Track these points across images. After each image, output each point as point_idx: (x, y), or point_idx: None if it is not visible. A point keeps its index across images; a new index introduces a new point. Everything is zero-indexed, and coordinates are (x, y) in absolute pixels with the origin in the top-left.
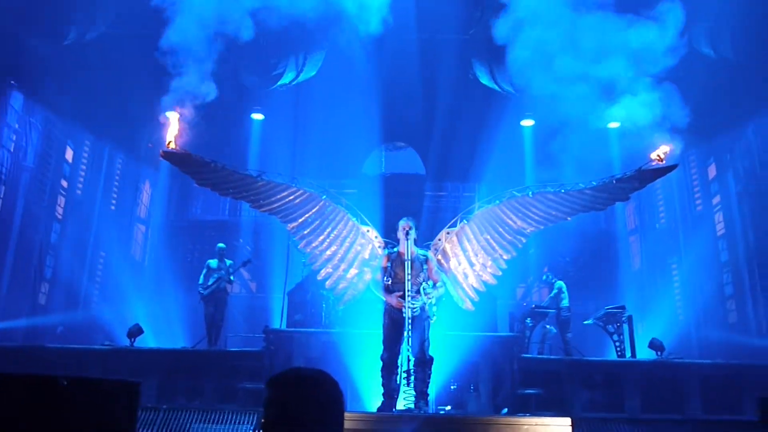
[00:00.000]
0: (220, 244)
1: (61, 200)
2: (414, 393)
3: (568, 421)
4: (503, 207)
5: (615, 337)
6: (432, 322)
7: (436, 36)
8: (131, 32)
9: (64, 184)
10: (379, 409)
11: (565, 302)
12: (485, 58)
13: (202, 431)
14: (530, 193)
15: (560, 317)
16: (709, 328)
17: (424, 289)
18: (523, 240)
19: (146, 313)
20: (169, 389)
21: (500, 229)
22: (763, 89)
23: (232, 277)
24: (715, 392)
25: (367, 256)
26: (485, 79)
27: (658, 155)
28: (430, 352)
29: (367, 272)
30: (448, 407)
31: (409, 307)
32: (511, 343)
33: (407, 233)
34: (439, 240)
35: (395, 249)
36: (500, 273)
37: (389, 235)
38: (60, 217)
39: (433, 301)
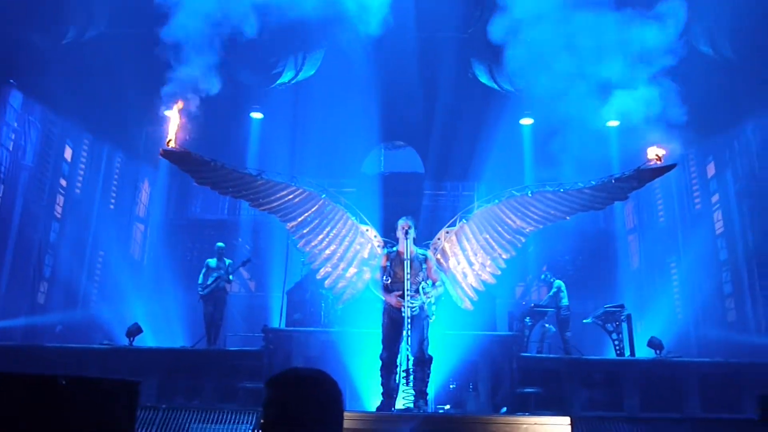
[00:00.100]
0: (219, 243)
1: (60, 199)
2: (413, 392)
3: (567, 420)
4: (502, 206)
5: (614, 335)
6: (431, 321)
7: (435, 35)
8: (130, 31)
9: (63, 183)
10: (378, 409)
11: (565, 301)
12: (484, 56)
13: (202, 431)
14: (529, 192)
15: (560, 316)
16: (708, 327)
17: (423, 288)
18: (523, 239)
19: (145, 312)
20: (168, 388)
21: (499, 229)
22: (762, 88)
23: (231, 277)
24: (714, 390)
25: (366, 255)
26: (484, 78)
27: (657, 155)
28: (430, 352)
29: (367, 271)
30: (448, 406)
31: (408, 307)
32: (510, 342)
33: (406, 232)
34: (438, 239)
35: (394, 248)
36: (499, 272)
37: (388, 234)
38: (59, 216)
39: (432, 300)
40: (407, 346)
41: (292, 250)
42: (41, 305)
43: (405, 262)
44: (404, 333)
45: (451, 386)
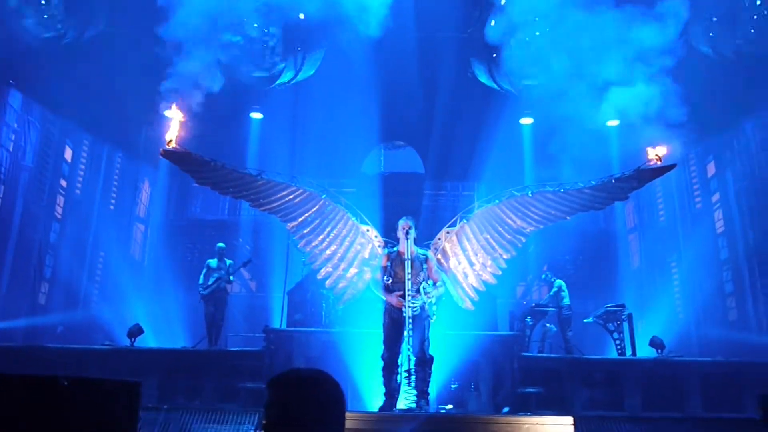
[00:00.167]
0: (220, 244)
1: (61, 200)
2: (415, 392)
3: (569, 420)
4: (503, 206)
5: (615, 335)
6: (432, 321)
7: (434, 34)
8: (129, 31)
9: (63, 183)
10: (380, 409)
11: (566, 301)
12: (484, 56)
13: (203, 431)
14: (529, 192)
15: (561, 316)
16: (709, 326)
17: (424, 288)
18: (523, 239)
19: (146, 312)
20: (169, 389)
21: (500, 229)
22: (761, 87)
23: (231, 277)
24: (716, 390)
25: (366, 256)
26: (484, 78)
27: (657, 155)
28: (431, 352)
29: (367, 271)
30: (449, 406)
31: (409, 307)
32: (512, 341)
33: (407, 232)
34: (439, 239)
35: (395, 248)
36: (500, 272)
37: (389, 235)
38: (59, 216)
39: (433, 300)
40: (408, 346)
41: (293, 251)
42: (42, 306)
43: (406, 262)
44: (405, 333)
45: (452, 386)
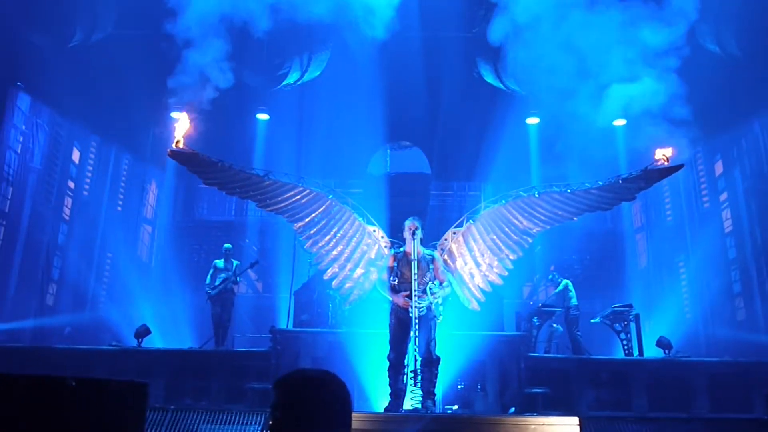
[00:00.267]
0: (227, 245)
1: (68, 201)
2: (421, 393)
3: (575, 420)
4: (509, 207)
5: (622, 335)
6: (438, 321)
7: (440, 34)
8: (137, 33)
9: (71, 185)
10: (386, 409)
11: (574, 301)
12: (489, 56)
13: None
14: (536, 193)
15: (569, 316)
16: (717, 326)
17: (430, 288)
18: (530, 240)
19: (153, 313)
20: (176, 389)
21: (506, 229)
22: None
23: (238, 278)
24: (724, 390)
25: (373, 256)
26: (490, 78)
27: (664, 155)
28: (437, 352)
29: (374, 272)
30: (456, 407)
31: (415, 307)
32: (518, 342)
33: (413, 233)
34: (445, 240)
35: (401, 249)
36: (506, 273)
37: (395, 235)
38: (67, 218)
39: (440, 300)
40: (415, 347)
41: (299, 251)
42: (50, 307)
43: (412, 263)
44: (412, 333)
45: (458, 386)
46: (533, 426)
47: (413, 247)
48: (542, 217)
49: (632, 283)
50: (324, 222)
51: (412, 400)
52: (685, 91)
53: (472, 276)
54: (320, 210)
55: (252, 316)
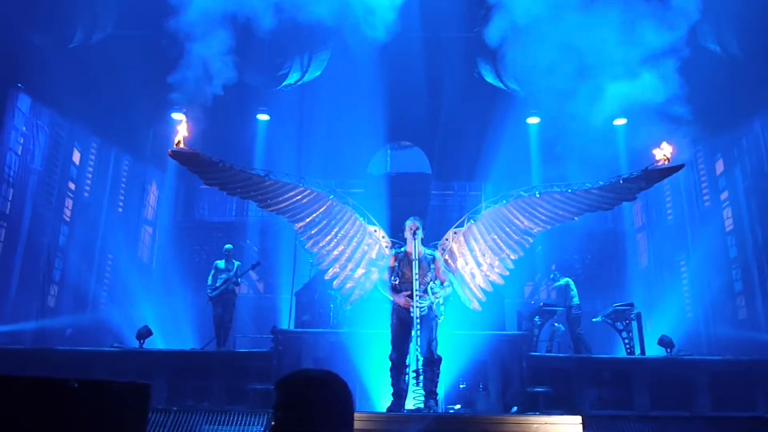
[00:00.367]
0: (228, 245)
1: (69, 202)
2: (423, 392)
3: (578, 419)
4: (510, 207)
5: (624, 334)
6: (440, 321)
7: (440, 34)
8: (137, 33)
9: (72, 186)
10: (388, 409)
11: (575, 300)
12: (490, 56)
13: None
14: (537, 193)
15: (571, 315)
16: (719, 325)
17: (431, 288)
18: (531, 240)
19: (154, 314)
20: (178, 390)
21: (507, 229)
22: None
23: (239, 279)
24: (725, 388)
25: (374, 256)
26: (490, 77)
27: (665, 155)
28: (439, 352)
29: (375, 272)
30: (458, 406)
31: (416, 307)
32: (520, 341)
33: (414, 233)
34: (446, 240)
35: (402, 249)
36: (507, 273)
37: (396, 235)
38: (68, 219)
39: (441, 300)
40: (416, 347)
41: (300, 252)
42: (51, 308)
43: (413, 263)
44: (413, 333)
45: (460, 386)
46: (536, 425)
47: (414, 247)
48: (543, 217)
49: (633, 283)
50: (325, 222)
51: (414, 400)
52: (685, 90)
53: (473, 276)
54: (321, 210)
55: (253, 316)
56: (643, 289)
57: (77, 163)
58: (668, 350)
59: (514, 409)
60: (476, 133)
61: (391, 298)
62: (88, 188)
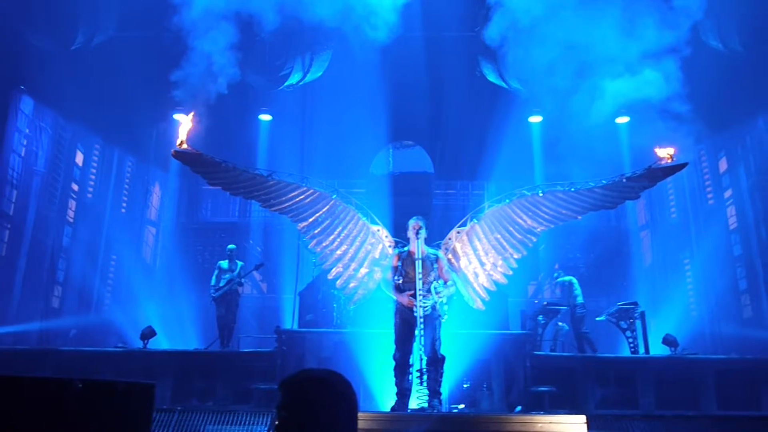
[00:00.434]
0: (231, 246)
1: (72, 204)
2: (427, 392)
3: (582, 419)
4: (513, 206)
5: (628, 333)
6: (443, 320)
7: (442, 33)
8: (139, 35)
9: (75, 187)
10: (392, 409)
11: (580, 299)
12: (491, 55)
13: None
14: (540, 192)
15: (575, 314)
16: (724, 323)
17: (435, 288)
18: (534, 239)
19: (158, 315)
20: (182, 391)
21: (510, 229)
22: None
23: (243, 280)
24: (731, 388)
25: (377, 256)
26: (492, 76)
27: (668, 154)
28: (442, 351)
29: (378, 271)
30: (461, 406)
31: (420, 306)
32: (523, 340)
33: (417, 232)
34: (450, 239)
35: (405, 248)
36: (511, 272)
37: (399, 235)
38: (71, 220)
39: (444, 299)
40: (420, 346)
41: (304, 252)
42: (55, 309)
43: (416, 262)
44: (417, 333)
45: (464, 386)
46: (540, 424)
47: (417, 246)
48: (546, 216)
49: (637, 281)
50: (328, 222)
51: (418, 400)
52: (688, 88)
53: (476, 275)
54: (324, 210)
55: (257, 316)
56: (647, 288)
57: (80, 164)
58: (673, 349)
59: (518, 408)
60: (479, 132)
61: (395, 298)
62: (91, 189)
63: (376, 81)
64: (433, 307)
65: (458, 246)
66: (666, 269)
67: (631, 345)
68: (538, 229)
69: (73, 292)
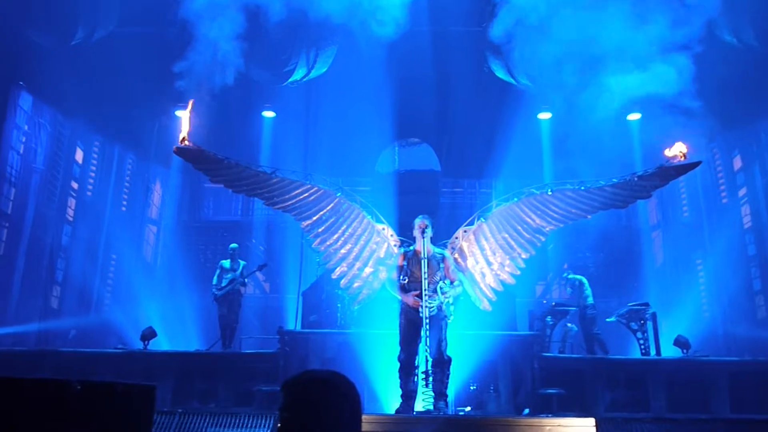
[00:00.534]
0: (233, 245)
1: (72, 202)
2: (432, 394)
3: (591, 421)
4: (521, 205)
5: (639, 334)
6: (449, 321)
7: (449, 29)
8: (140, 31)
9: (75, 185)
10: (397, 411)
11: (590, 300)
12: (500, 51)
13: None
14: (549, 190)
15: (586, 315)
16: (737, 324)
17: (441, 288)
18: (542, 238)
19: (159, 315)
20: (183, 392)
21: (518, 228)
22: None
23: (246, 280)
24: (744, 390)
25: (382, 255)
26: (501, 73)
27: (681, 152)
28: (448, 352)
29: (383, 271)
30: (468, 408)
31: (426, 307)
32: (531, 342)
33: (423, 231)
34: (456, 238)
35: (411, 247)
36: (519, 272)
37: (404, 233)
38: (71, 219)
39: (451, 300)
40: (426, 347)
41: (307, 251)
42: (54, 310)
43: (422, 262)
44: (422, 334)
45: (471, 388)
46: (548, 427)
47: (423, 245)
48: (555, 216)
49: (648, 282)
50: (332, 220)
51: (423, 402)
52: (701, 84)
53: (483, 275)
54: (328, 208)
55: (259, 317)
56: (659, 289)
57: (80, 161)
58: (685, 351)
59: (526, 411)
60: (486, 129)
61: (400, 298)
62: (91, 187)
63: (382, 77)
64: (439, 308)
65: (465, 245)
66: (678, 269)
67: (642, 347)
68: (547, 229)
69: (72, 291)
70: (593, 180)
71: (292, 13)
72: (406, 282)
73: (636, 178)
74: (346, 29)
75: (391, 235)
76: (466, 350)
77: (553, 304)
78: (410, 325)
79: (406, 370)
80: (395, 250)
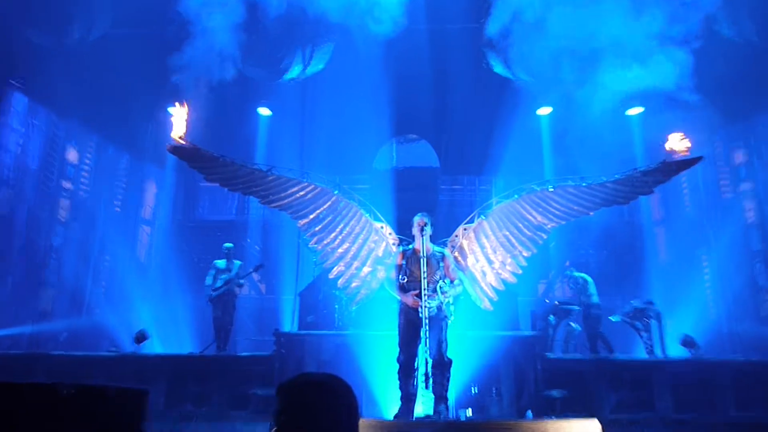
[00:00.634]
0: (228, 244)
1: (65, 202)
2: (433, 397)
3: (596, 423)
4: (522, 202)
5: (643, 334)
6: (450, 321)
7: (447, 25)
8: (134, 32)
9: (68, 185)
10: (396, 416)
11: (595, 298)
12: (499, 46)
13: None
14: (550, 187)
15: (590, 315)
16: (742, 322)
17: (441, 287)
18: (544, 236)
19: (152, 317)
20: (176, 396)
21: (519, 225)
22: None
23: (241, 281)
24: (751, 390)
25: (380, 254)
26: (499, 68)
27: (684, 147)
28: (449, 354)
29: (381, 270)
30: (469, 411)
31: (425, 307)
32: (534, 342)
33: (422, 229)
34: (456, 236)
35: (410, 246)
36: (520, 271)
37: (403, 232)
38: (63, 219)
39: (451, 300)
40: (425, 349)
41: (304, 250)
42: (46, 312)
43: (421, 260)
44: (422, 335)
45: (472, 390)
46: (552, 430)
47: (422, 244)
48: (557, 212)
49: (652, 279)
50: (329, 218)
51: (423, 405)
52: (702, 78)
53: (484, 274)
54: (325, 206)
55: (255, 318)
56: (663, 286)
57: (74, 162)
58: (692, 351)
59: (529, 413)
60: (485, 125)
61: (399, 298)
62: (84, 187)
63: (380, 74)
64: (439, 308)
65: (465, 243)
66: (682, 266)
67: (647, 346)
68: (549, 226)
69: (64, 293)
70: (594, 176)
71: (288, 10)
72: (405, 281)
73: (638, 174)
74: (343, 27)
75: (390, 234)
76: (467, 351)
77: (556, 303)
78: (409, 326)
79: (406, 372)
80: (394, 248)
